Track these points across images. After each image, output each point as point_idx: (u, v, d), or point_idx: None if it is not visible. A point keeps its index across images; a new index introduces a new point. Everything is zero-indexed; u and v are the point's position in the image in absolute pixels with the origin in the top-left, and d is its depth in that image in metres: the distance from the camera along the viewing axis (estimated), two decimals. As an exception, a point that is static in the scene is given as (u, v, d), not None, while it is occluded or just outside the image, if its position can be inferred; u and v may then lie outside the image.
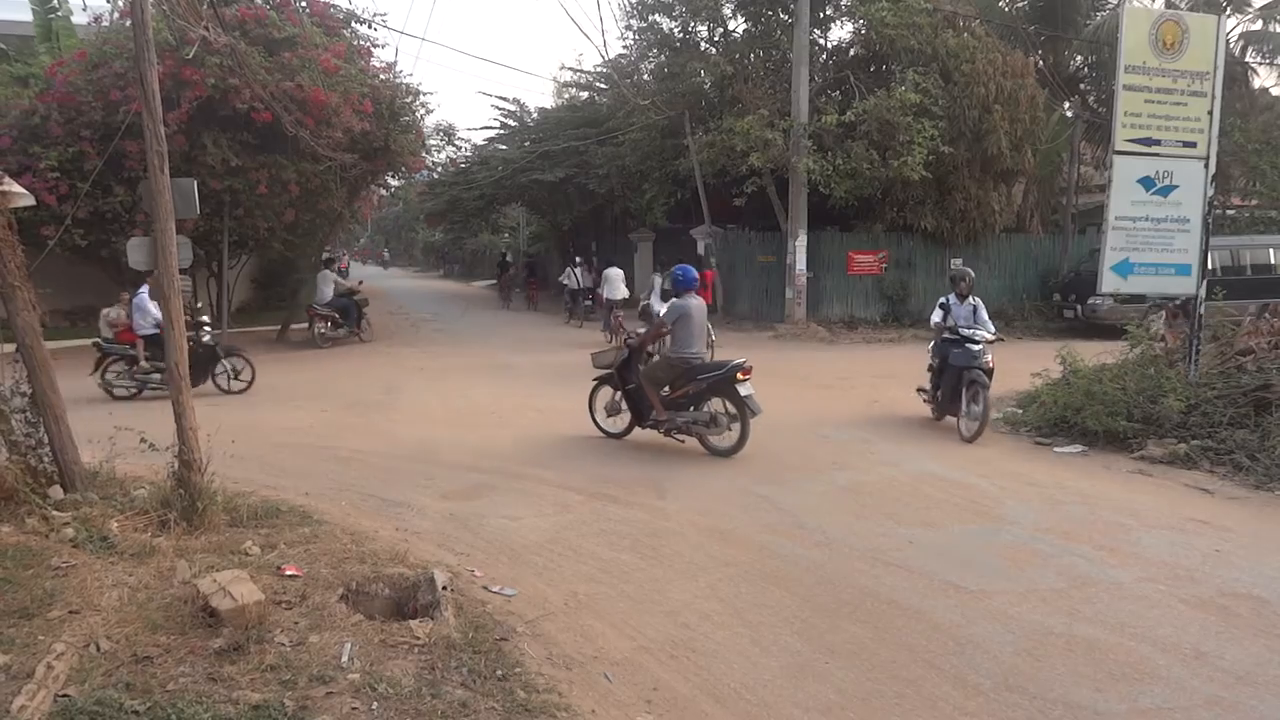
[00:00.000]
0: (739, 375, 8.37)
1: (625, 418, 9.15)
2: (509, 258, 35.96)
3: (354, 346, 18.62)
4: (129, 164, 14.46)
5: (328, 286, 18.66)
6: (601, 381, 9.42)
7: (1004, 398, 11.05)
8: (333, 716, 3.45)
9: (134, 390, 12.01)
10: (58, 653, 3.72)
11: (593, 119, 27.36)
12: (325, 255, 20.87)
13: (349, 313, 18.76)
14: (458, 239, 44.28)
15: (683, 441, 8.82)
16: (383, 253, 67.82)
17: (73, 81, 15.28)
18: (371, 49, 18.67)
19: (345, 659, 3.90)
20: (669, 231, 26.63)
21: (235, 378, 12.45)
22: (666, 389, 8.78)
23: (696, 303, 8.79)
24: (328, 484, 7.49)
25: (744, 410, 8.40)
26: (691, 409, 8.64)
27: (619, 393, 9.10)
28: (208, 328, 12.01)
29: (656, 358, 9.67)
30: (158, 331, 10.63)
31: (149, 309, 11.79)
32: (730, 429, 8.51)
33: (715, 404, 8.61)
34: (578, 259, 24.32)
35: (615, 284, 20.18)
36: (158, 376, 11.57)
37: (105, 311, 13.35)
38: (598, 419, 9.43)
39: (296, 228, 19.45)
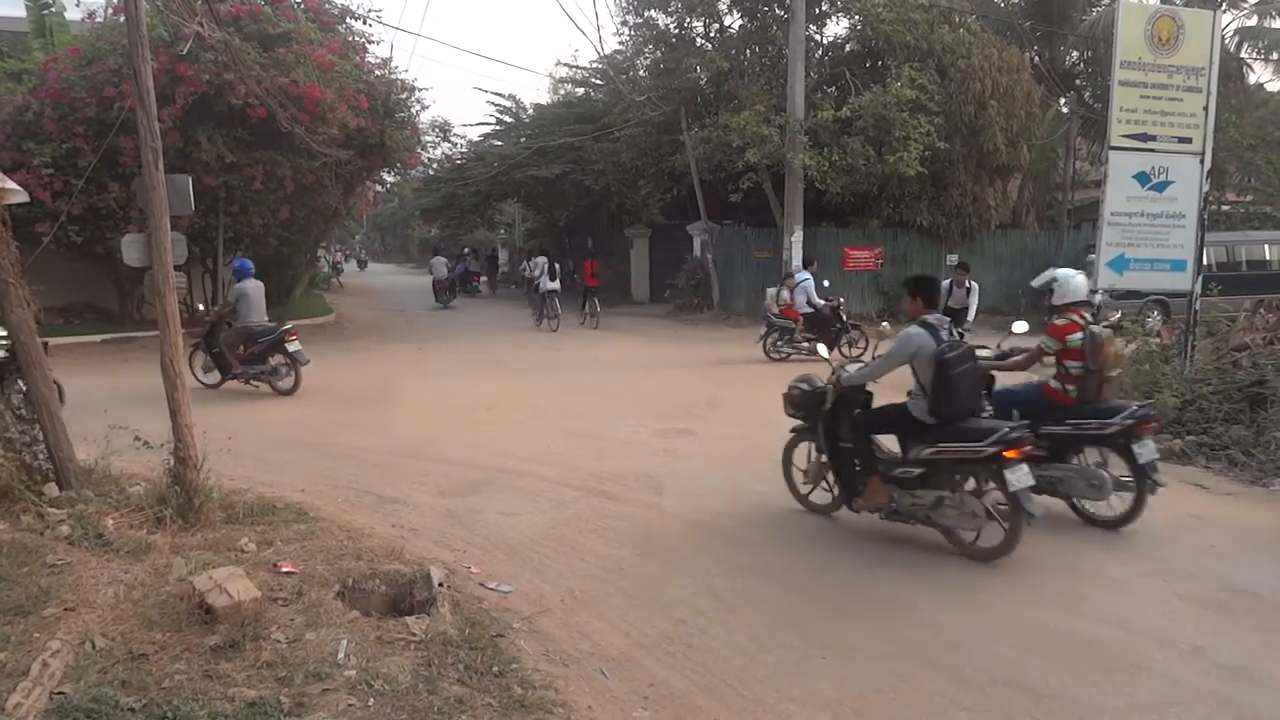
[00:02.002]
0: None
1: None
2: (495, 251, 39.21)
3: (354, 345, 18.59)
4: (123, 160, 14.43)
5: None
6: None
7: (1000, 393, 11.05)
8: (329, 713, 3.45)
9: (785, 355, 14.70)
10: (53, 650, 3.72)
11: (588, 115, 27.32)
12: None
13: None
14: (453, 235, 44.30)
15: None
16: (350, 249, 64.36)
17: (67, 78, 15.22)
18: (366, 45, 18.65)
19: (341, 656, 3.89)
20: (665, 228, 26.62)
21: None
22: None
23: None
24: (324, 481, 7.48)
25: None
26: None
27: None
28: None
29: None
30: (813, 310, 15.01)
31: (811, 294, 15.02)
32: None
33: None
34: (551, 259, 22.12)
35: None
36: (806, 346, 14.59)
37: (771, 291, 15.86)
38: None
39: (292, 224, 19.41)
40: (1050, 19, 23.41)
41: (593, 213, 30.27)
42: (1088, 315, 6.40)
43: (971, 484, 5.68)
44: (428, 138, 22.88)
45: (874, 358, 6.19)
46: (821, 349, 7.19)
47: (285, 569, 4.85)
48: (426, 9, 31.57)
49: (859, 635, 4.61)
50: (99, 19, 16.89)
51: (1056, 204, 23.86)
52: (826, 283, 16.26)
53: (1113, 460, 6.20)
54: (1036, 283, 7.10)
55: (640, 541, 6.05)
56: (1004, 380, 6.81)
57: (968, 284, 13.24)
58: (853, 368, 6.41)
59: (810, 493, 6.67)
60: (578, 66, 36.47)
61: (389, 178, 24.64)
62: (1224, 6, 23.04)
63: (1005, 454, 5.33)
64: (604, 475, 7.73)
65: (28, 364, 6.02)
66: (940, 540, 5.82)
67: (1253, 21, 24.68)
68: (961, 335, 10.58)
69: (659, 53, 23.68)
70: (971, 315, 13.03)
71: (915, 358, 5.71)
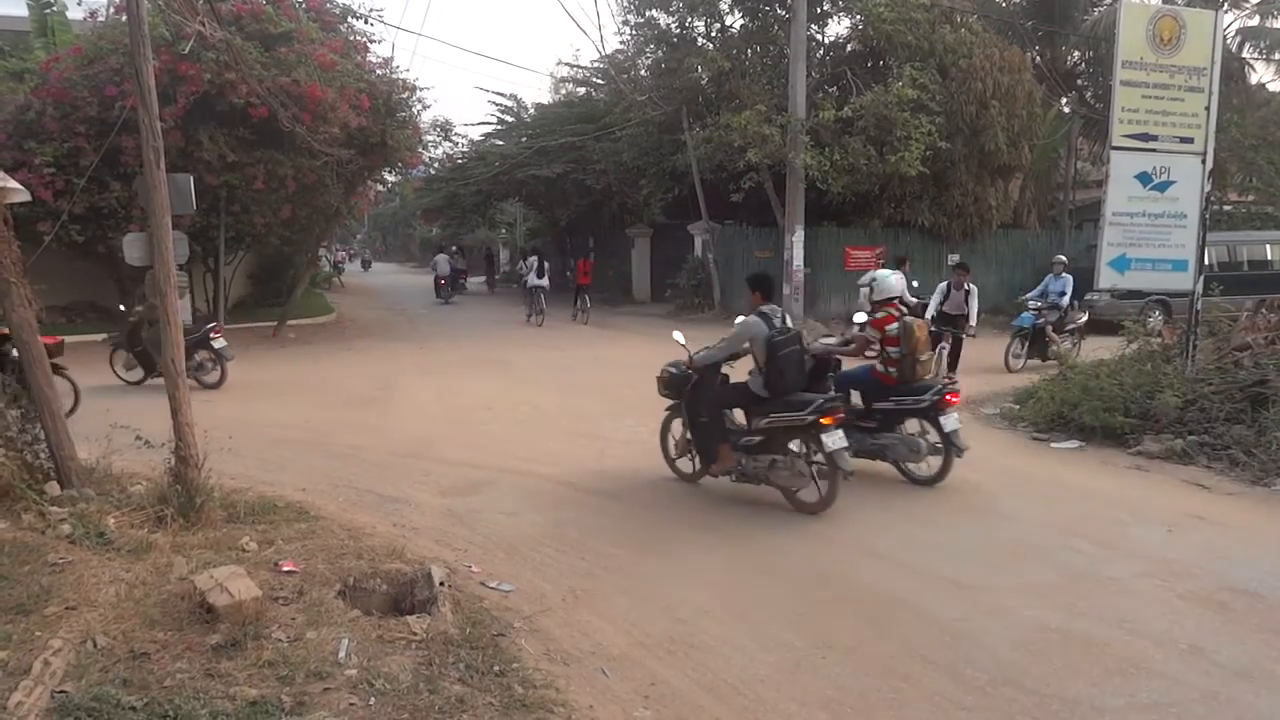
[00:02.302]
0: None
1: None
2: (491, 251, 40.23)
3: (354, 345, 18.59)
4: (125, 159, 14.44)
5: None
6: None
7: (1001, 393, 11.08)
8: (330, 712, 3.45)
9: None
10: (54, 649, 3.72)
11: (590, 115, 27.32)
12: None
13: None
14: (454, 235, 44.39)
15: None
16: (354, 249, 64.06)
17: (68, 77, 15.23)
18: (368, 44, 18.62)
19: (342, 655, 3.89)
20: (666, 227, 26.62)
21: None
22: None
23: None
24: (325, 480, 7.48)
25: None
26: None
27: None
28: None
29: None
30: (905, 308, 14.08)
31: (904, 292, 14.31)
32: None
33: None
34: (542, 257, 22.95)
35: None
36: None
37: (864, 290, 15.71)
38: None
39: (293, 223, 19.40)
40: (1052, 19, 23.38)
41: (594, 212, 30.27)
42: (903, 308, 7.69)
43: (800, 448, 6.59)
44: (429, 137, 22.80)
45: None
46: (677, 335, 7.68)
47: (286, 568, 4.85)
48: (428, 9, 31.58)
49: (860, 635, 4.62)
50: (101, 18, 16.88)
51: (1058, 204, 23.84)
52: (915, 283, 16.03)
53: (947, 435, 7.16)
54: (860, 283, 8.53)
55: (641, 541, 6.05)
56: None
57: (967, 286, 12.75)
58: (704, 352, 7.21)
59: (679, 461, 7.49)
60: (579, 66, 36.49)
61: (390, 177, 24.60)
62: (1226, 6, 23.01)
63: (822, 420, 6.29)
64: (605, 475, 7.73)
65: (29, 363, 6.02)
66: (873, 531, 5.83)
67: (1254, 21, 24.66)
68: (959, 340, 11.03)
69: (660, 52, 23.67)
70: (973, 319, 12.67)
71: (752, 342, 6.73)
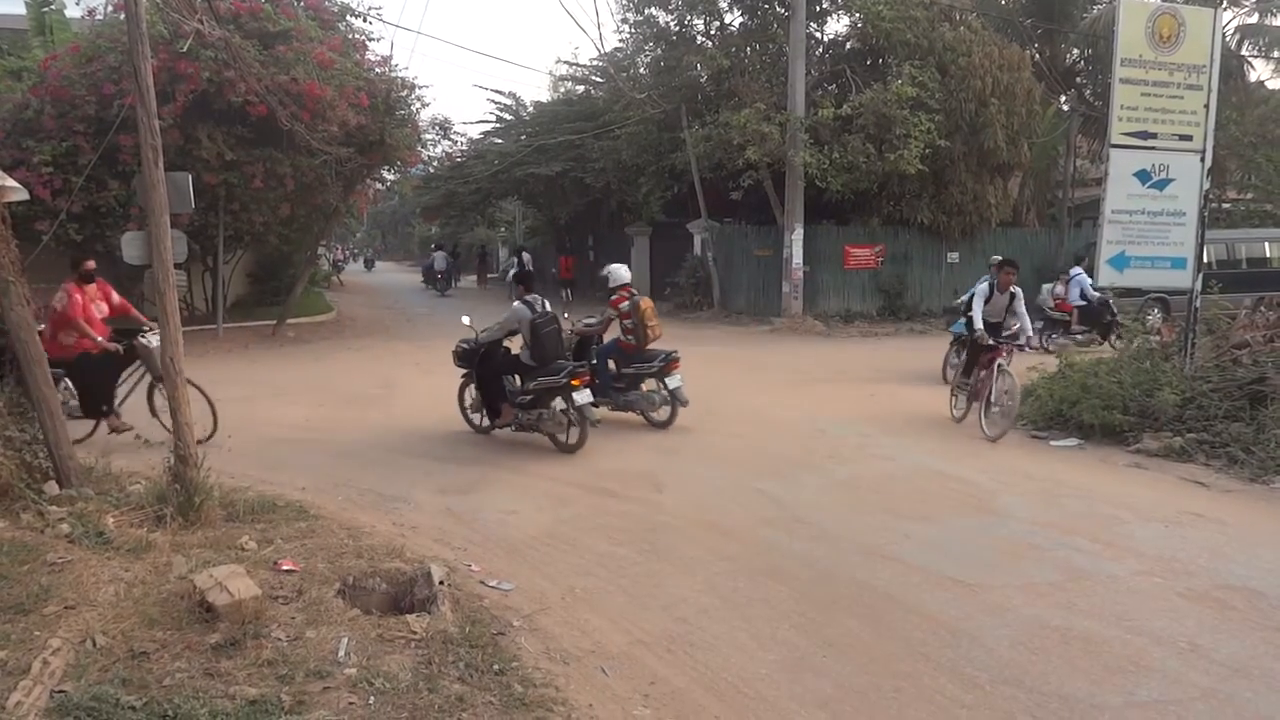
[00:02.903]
0: None
1: None
2: (485, 249, 41.80)
3: (353, 343, 18.58)
4: (123, 158, 14.41)
5: None
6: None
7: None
8: (330, 711, 3.45)
9: (1062, 346, 13.59)
10: (53, 648, 3.72)
11: (589, 113, 27.29)
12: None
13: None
14: (453, 233, 44.50)
15: None
16: (354, 247, 63.40)
17: (66, 75, 15.19)
18: (367, 42, 18.57)
19: (342, 654, 3.89)
20: (665, 226, 26.60)
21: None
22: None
23: None
24: (324, 479, 7.48)
25: None
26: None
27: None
28: None
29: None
30: (1086, 304, 15.28)
31: (1086, 288, 15.17)
32: None
33: None
34: (524, 254, 26.58)
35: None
36: (1080, 338, 14.84)
37: (1046, 286, 16.47)
38: None
39: (292, 222, 19.36)
40: (1051, 16, 23.38)
41: (593, 210, 30.26)
42: (632, 290, 9.60)
43: (559, 403, 8.39)
44: (428, 135, 22.78)
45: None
46: (465, 319, 9.47)
47: (286, 567, 4.85)
48: (427, 7, 31.53)
49: (860, 633, 4.62)
50: (99, 16, 16.81)
51: (1057, 202, 23.83)
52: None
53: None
54: (601, 274, 10.30)
55: (641, 539, 6.05)
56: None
57: (1012, 289, 9.57)
58: (483, 335, 9.05)
59: (475, 419, 9.22)
60: (578, 64, 36.46)
61: (389, 175, 24.54)
62: (1224, 4, 23.00)
63: (573, 382, 8.22)
64: (604, 473, 7.73)
65: (28, 362, 6.01)
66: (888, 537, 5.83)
67: (1253, 19, 24.66)
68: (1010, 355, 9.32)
69: (659, 50, 23.65)
70: (1028, 331, 9.62)
71: (520, 323, 8.56)
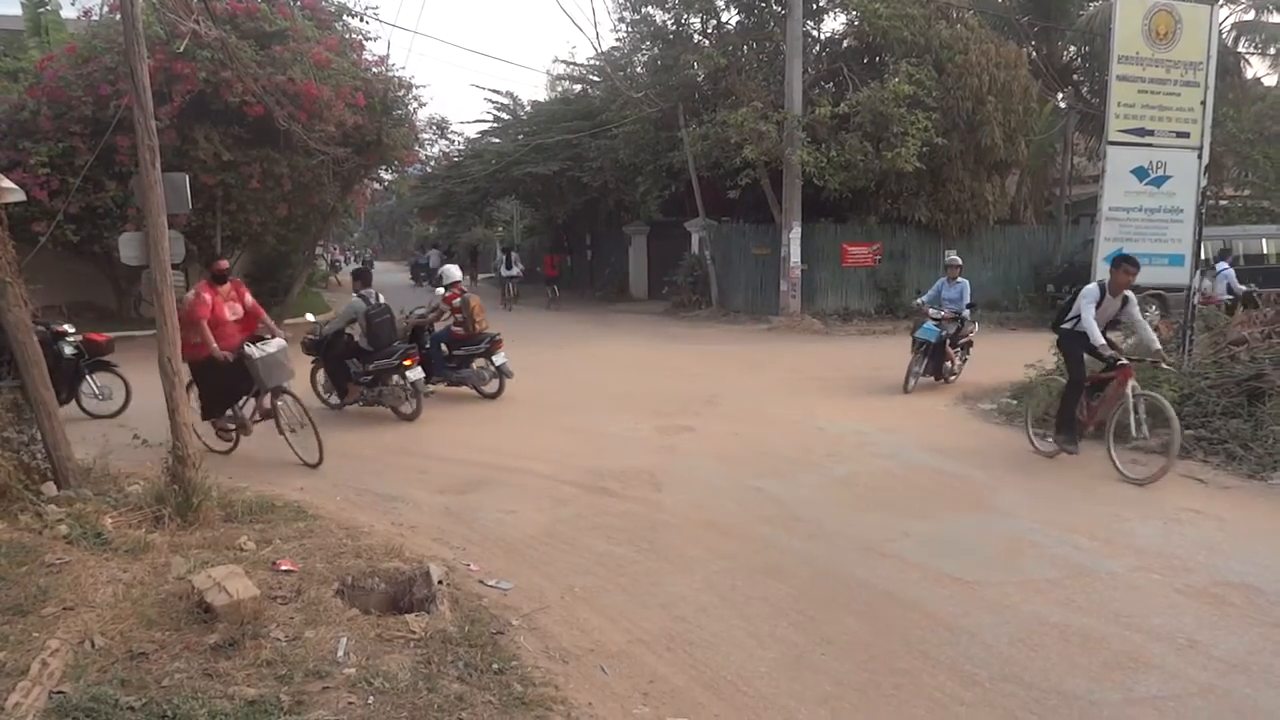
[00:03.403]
0: None
1: None
2: (476, 248, 42.25)
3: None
4: (120, 159, 14.40)
5: None
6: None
7: (999, 389, 11.08)
8: (329, 711, 3.45)
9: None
10: (52, 649, 3.71)
11: (586, 112, 27.28)
12: None
13: None
14: (451, 233, 44.68)
15: None
16: (352, 247, 62.62)
17: (63, 76, 15.19)
18: (363, 42, 18.57)
19: (341, 654, 3.89)
20: (663, 225, 26.61)
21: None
22: None
23: None
24: (322, 479, 7.48)
25: None
26: None
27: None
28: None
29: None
30: (1232, 297, 14.49)
31: (1232, 282, 14.85)
32: None
33: None
34: (510, 253, 28.79)
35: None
36: None
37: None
38: None
39: (290, 222, 19.37)
40: (1048, 14, 23.37)
41: (591, 210, 30.26)
42: (463, 289, 11.50)
43: (396, 380, 9.81)
44: (425, 135, 22.78)
45: None
46: (309, 316, 11.51)
47: (284, 567, 4.85)
48: (423, 6, 31.52)
49: (859, 631, 4.62)
50: (95, 17, 16.79)
51: (1054, 199, 23.83)
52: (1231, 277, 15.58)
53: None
54: (437, 274, 12.01)
55: (639, 538, 6.05)
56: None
57: (1126, 293, 8.03)
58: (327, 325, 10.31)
59: (328, 399, 10.37)
60: (575, 63, 36.41)
61: (387, 175, 24.54)
62: (1221, 1, 23.03)
63: (405, 362, 9.77)
64: (603, 472, 7.73)
65: (25, 364, 6.01)
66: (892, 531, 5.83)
67: (1250, 16, 24.63)
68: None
69: (656, 49, 23.65)
70: (1154, 342, 7.91)
71: (357, 315, 9.82)
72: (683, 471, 7.82)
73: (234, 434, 8.47)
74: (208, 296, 7.98)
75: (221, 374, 7.91)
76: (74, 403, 9.91)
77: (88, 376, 10.17)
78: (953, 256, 12.65)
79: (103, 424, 8.52)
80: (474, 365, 11.36)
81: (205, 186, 15.34)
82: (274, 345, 7.97)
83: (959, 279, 12.14)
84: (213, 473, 6.03)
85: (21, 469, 5.82)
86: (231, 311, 8.20)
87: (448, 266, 12.23)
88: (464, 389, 11.41)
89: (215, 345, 7.79)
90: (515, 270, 27.52)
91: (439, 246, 39.83)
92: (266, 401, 8.25)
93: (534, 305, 27.00)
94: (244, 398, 8.29)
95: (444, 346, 11.31)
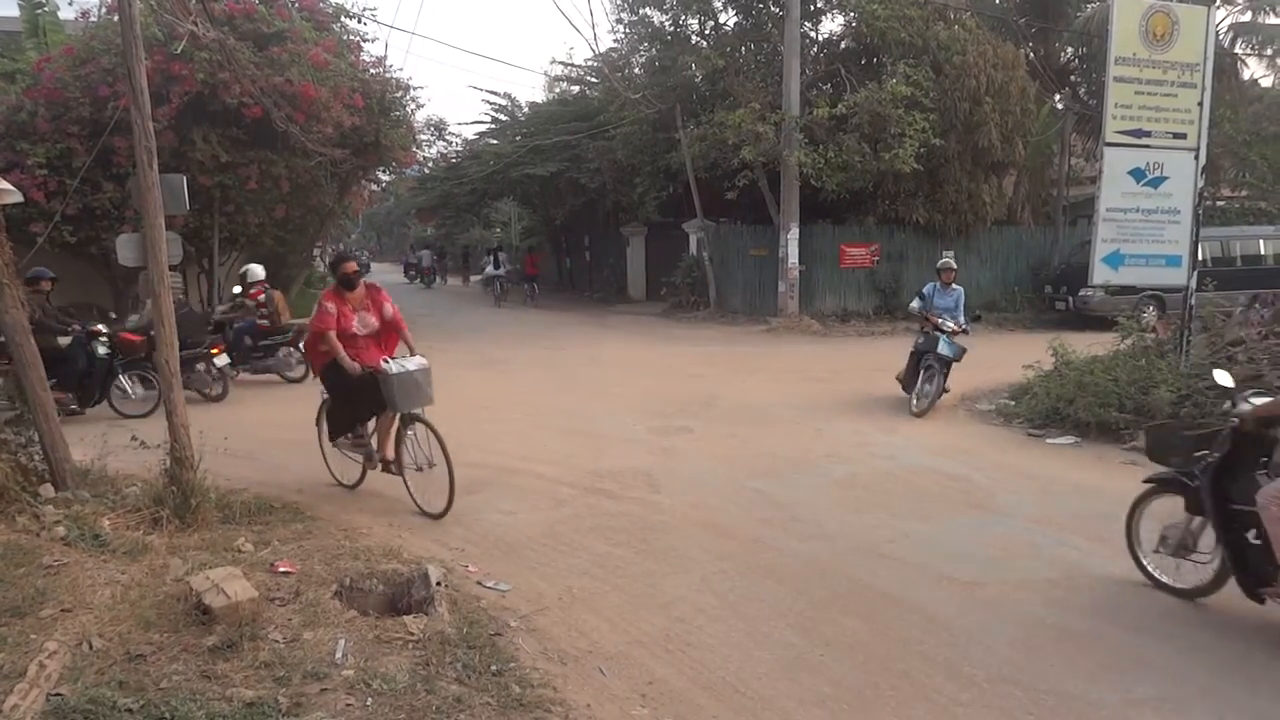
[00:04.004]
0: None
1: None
2: (467, 249, 44.21)
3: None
4: (118, 160, 14.37)
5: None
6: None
7: (996, 390, 11.10)
8: (327, 713, 3.45)
9: None
10: (50, 651, 3.71)
11: (584, 113, 27.29)
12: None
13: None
14: (449, 234, 44.97)
15: None
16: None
17: (60, 77, 15.15)
18: (361, 43, 18.54)
19: (339, 655, 3.89)
20: (661, 226, 26.60)
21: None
22: None
23: None
24: (320, 480, 7.46)
25: None
26: None
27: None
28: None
29: None
30: None
31: None
32: None
33: None
34: (498, 253, 31.27)
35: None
36: None
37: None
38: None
39: (287, 223, 19.33)
40: (1045, 15, 23.39)
41: (589, 211, 30.27)
42: (266, 285, 13.02)
43: (205, 366, 11.03)
44: (423, 136, 22.76)
45: None
46: (134, 318, 11.50)
47: (282, 569, 4.84)
48: (421, 7, 31.63)
49: (858, 632, 4.62)
50: (93, 18, 16.76)
51: (1052, 200, 23.84)
52: None
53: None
54: (240, 272, 12.84)
55: (638, 539, 6.05)
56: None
57: (955, 288, 10.81)
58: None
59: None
60: (573, 65, 36.38)
61: (384, 176, 24.54)
62: (1218, 2, 23.03)
63: (213, 350, 11.20)
64: (601, 473, 7.73)
65: (22, 365, 6.00)
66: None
67: (1247, 17, 24.66)
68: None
69: (654, 50, 23.65)
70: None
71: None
72: (681, 472, 7.82)
73: (364, 459, 7.11)
74: (331, 307, 6.70)
75: (351, 387, 6.71)
76: (106, 403, 10.23)
77: (121, 376, 10.31)
78: (947, 259, 11.20)
79: (102, 425, 8.49)
80: (279, 354, 12.70)
81: (203, 188, 15.32)
82: (414, 364, 6.59)
83: (954, 285, 10.81)
84: (211, 474, 6.02)
85: (19, 470, 5.81)
86: (362, 324, 6.86)
87: (251, 265, 13.52)
88: (271, 376, 12.77)
89: (344, 353, 6.57)
90: (502, 270, 29.77)
91: (430, 247, 42.52)
92: (389, 427, 6.93)
93: (516, 302, 29.01)
94: (372, 419, 7.02)
95: (248, 338, 12.53)
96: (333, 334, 6.59)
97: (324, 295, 6.93)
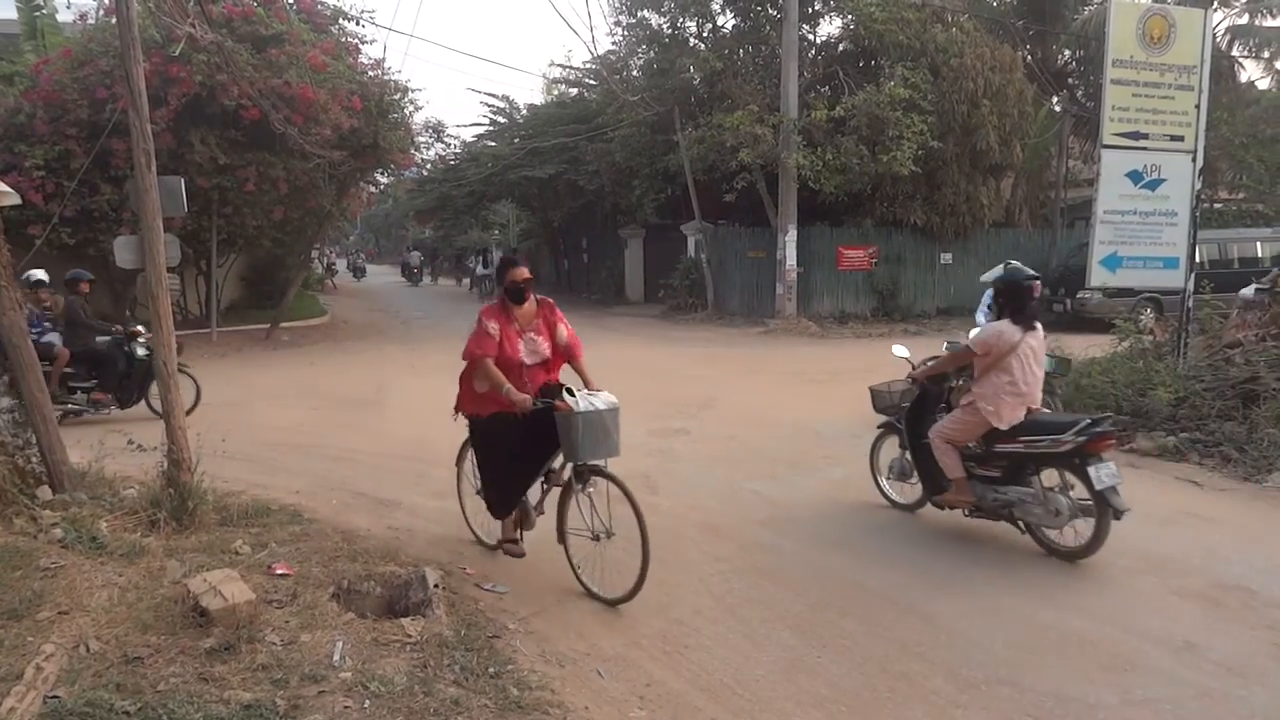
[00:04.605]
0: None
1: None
2: (462, 253, 46.28)
3: (347, 346, 18.54)
4: (116, 162, 14.38)
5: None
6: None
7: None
8: (325, 715, 3.44)
9: None
10: (47, 654, 3.70)
11: (582, 115, 27.30)
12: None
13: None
14: (447, 236, 45.30)
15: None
16: (344, 251, 60.88)
17: (58, 79, 15.16)
18: (359, 45, 18.58)
19: (337, 658, 3.88)
20: (659, 228, 26.63)
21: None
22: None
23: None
24: (318, 482, 7.47)
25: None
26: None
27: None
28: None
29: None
30: None
31: None
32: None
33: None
34: (486, 254, 34.80)
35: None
36: None
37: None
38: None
39: (285, 225, 19.37)
40: (1042, 18, 23.43)
41: (587, 213, 30.29)
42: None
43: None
44: (421, 138, 22.81)
45: None
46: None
47: (280, 571, 4.83)
48: (420, 10, 31.55)
49: (856, 634, 4.62)
50: (90, 20, 16.79)
51: (1049, 202, 23.89)
52: None
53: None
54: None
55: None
56: None
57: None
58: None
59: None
60: (571, 67, 36.46)
61: (383, 179, 24.59)
62: (1215, 5, 23.06)
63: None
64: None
65: (20, 367, 5.99)
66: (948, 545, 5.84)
67: (1244, 20, 24.71)
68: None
69: (652, 53, 23.66)
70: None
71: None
72: (679, 474, 7.81)
73: (519, 519, 5.56)
74: (494, 327, 5.15)
75: (514, 440, 5.19)
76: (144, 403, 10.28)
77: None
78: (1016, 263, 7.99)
79: (100, 428, 8.48)
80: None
81: (201, 190, 15.33)
82: (602, 400, 4.98)
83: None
84: (208, 477, 6.02)
85: (16, 473, 5.80)
86: (530, 350, 5.29)
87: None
88: None
89: (514, 391, 5.01)
90: (490, 270, 32.07)
91: (419, 249, 46.02)
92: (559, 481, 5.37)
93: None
94: (542, 474, 5.45)
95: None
96: (491, 362, 5.10)
97: (483, 313, 5.28)
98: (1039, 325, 5.81)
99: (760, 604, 5.00)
